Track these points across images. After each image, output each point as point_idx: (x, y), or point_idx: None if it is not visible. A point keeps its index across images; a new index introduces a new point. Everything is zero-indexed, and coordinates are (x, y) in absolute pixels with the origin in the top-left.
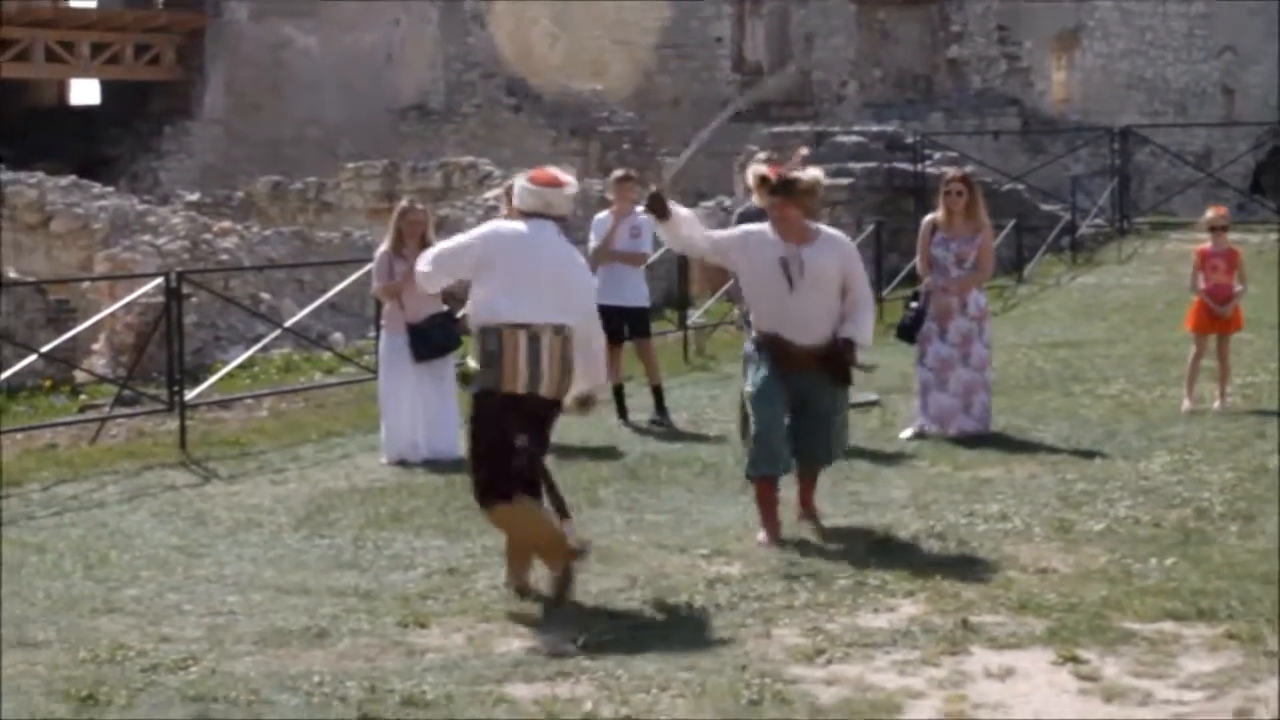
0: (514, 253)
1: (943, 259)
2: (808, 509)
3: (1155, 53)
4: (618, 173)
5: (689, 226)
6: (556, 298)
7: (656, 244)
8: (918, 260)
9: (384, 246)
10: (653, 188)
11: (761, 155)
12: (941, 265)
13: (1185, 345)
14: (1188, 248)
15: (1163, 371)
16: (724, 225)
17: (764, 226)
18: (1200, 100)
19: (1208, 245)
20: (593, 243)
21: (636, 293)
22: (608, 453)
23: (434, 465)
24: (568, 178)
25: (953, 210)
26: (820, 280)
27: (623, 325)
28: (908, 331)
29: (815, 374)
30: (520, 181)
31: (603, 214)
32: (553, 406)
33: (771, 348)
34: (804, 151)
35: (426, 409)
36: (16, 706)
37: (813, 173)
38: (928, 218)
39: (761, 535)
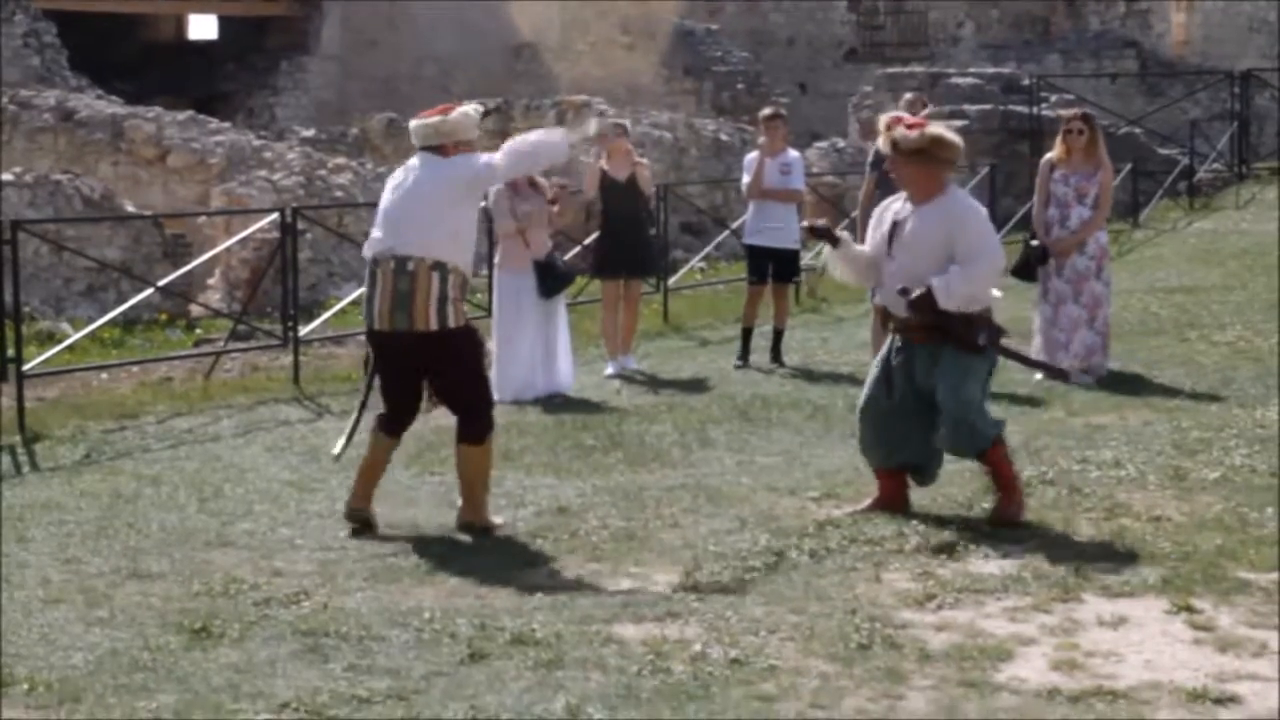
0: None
1: (1063, 195)
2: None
3: None
4: (766, 111)
5: (859, 251)
6: (403, 229)
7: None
8: (1035, 201)
9: (498, 185)
10: (821, 222)
11: (906, 97)
12: (1062, 201)
13: None
14: None
15: None
16: (836, 167)
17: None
18: None
19: None
20: (745, 180)
21: (788, 234)
22: (719, 394)
23: (545, 404)
24: (446, 109)
25: (1072, 148)
26: (916, 244)
27: (768, 266)
28: (1025, 270)
29: (929, 348)
30: None
31: (753, 154)
32: (457, 336)
33: (882, 320)
34: (911, 98)
35: (545, 346)
36: (131, 637)
37: (932, 131)
38: (1046, 157)
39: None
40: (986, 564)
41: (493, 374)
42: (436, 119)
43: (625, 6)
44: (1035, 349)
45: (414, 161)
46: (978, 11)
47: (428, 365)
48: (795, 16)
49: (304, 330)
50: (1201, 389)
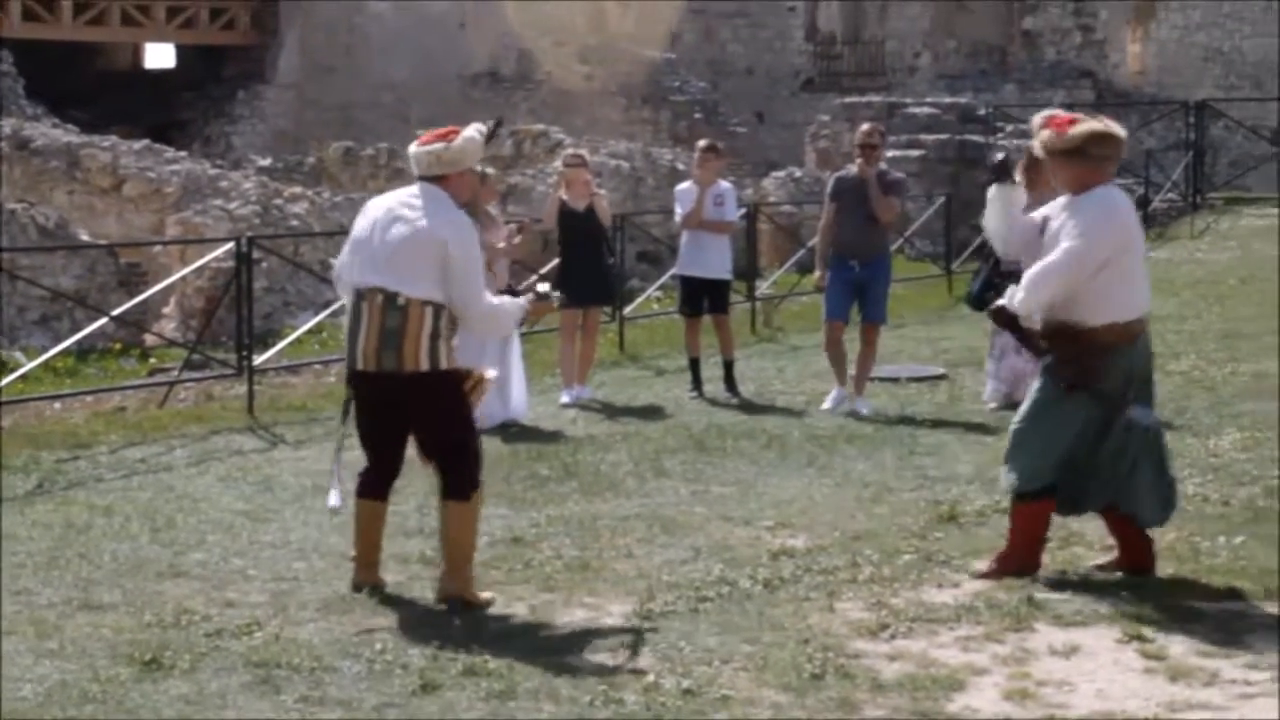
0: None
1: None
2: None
3: (1232, 25)
4: (702, 143)
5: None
6: (380, 261)
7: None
8: None
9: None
10: (999, 304)
11: (863, 128)
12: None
13: (1256, 322)
14: (1261, 223)
15: (1234, 348)
16: (793, 196)
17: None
18: (1276, 74)
19: None
20: (678, 213)
21: (720, 264)
22: (674, 423)
23: (500, 433)
24: (449, 133)
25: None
26: (1050, 244)
27: (703, 297)
28: (977, 299)
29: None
30: None
31: (686, 184)
32: (418, 381)
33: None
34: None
35: (502, 375)
36: (81, 668)
37: (1086, 127)
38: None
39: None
40: (939, 593)
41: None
42: (439, 146)
43: (583, 36)
44: (988, 376)
45: (412, 191)
46: (934, 42)
47: (415, 411)
48: (753, 46)
49: (259, 360)
50: None
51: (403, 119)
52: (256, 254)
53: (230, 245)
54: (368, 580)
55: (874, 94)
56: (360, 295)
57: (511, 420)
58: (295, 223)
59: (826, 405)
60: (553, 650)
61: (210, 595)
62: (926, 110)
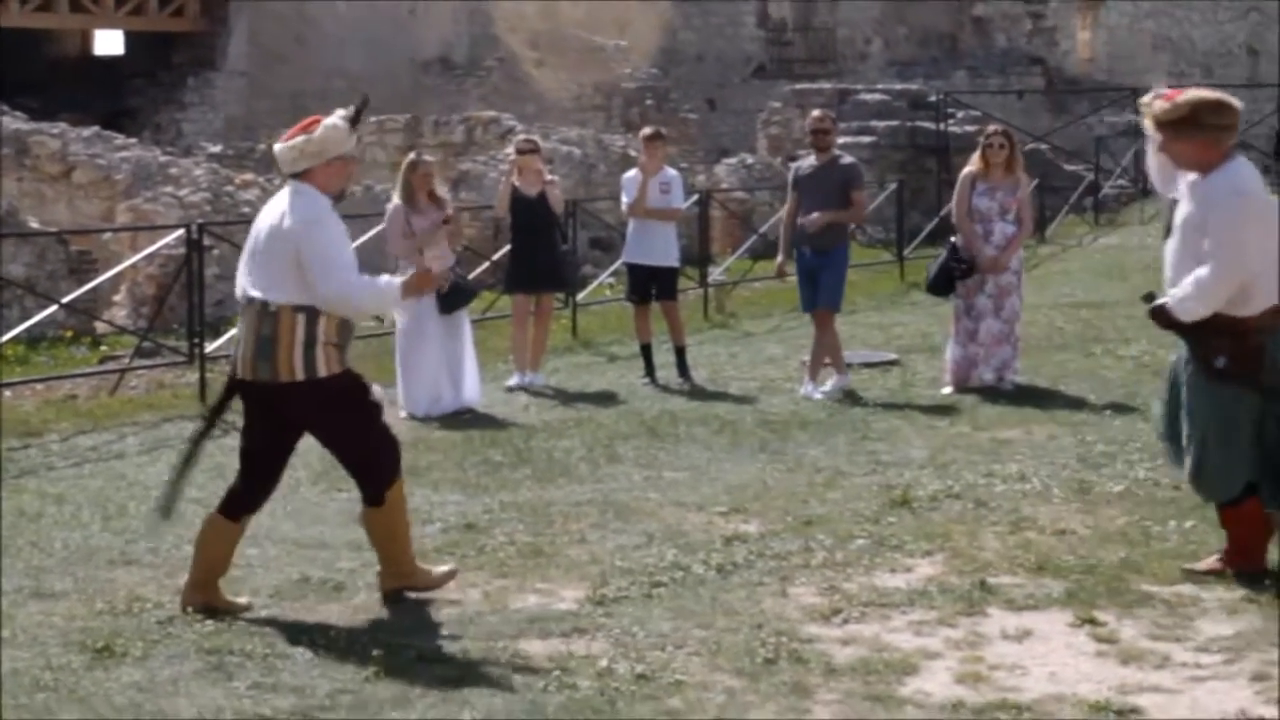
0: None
1: (987, 209)
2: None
3: (1181, 13)
4: (646, 130)
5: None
6: (255, 268)
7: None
8: (955, 214)
9: (396, 201)
10: (1160, 303)
11: (814, 114)
12: (986, 215)
13: None
14: None
15: None
16: (744, 183)
17: None
18: (1225, 61)
19: None
20: (624, 201)
21: (667, 252)
22: (627, 409)
23: (453, 420)
24: (310, 124)
25: (993, 162)
26: (1183, 230)
27: (651, 285)
28: (942, 285)
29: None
30: None
31: (632, 172)
32: (322, 386)
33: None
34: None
35: (450, 361)
36: (33, 657)
37: (1193, 95)
38: (965, 170)
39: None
40: (892, 578)
41: (399, 391)
42: (300, 139)
43: (533, 23)
44: (948, 360)
45: (282, 193)
46: (885, 29)
47: (296, 423)
48: (704, 33)
49: (210, 347)
50: (1106, 403)
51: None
52: (207, 241)
53: (181, 232)
54: (198, 601)
55: (825, 81)
56: (242, 305)
57: (464, 407)
58: (246, 210)
59: (827, 388)
60: (506, 636)
61: (162, 583)
62: (877, 97)
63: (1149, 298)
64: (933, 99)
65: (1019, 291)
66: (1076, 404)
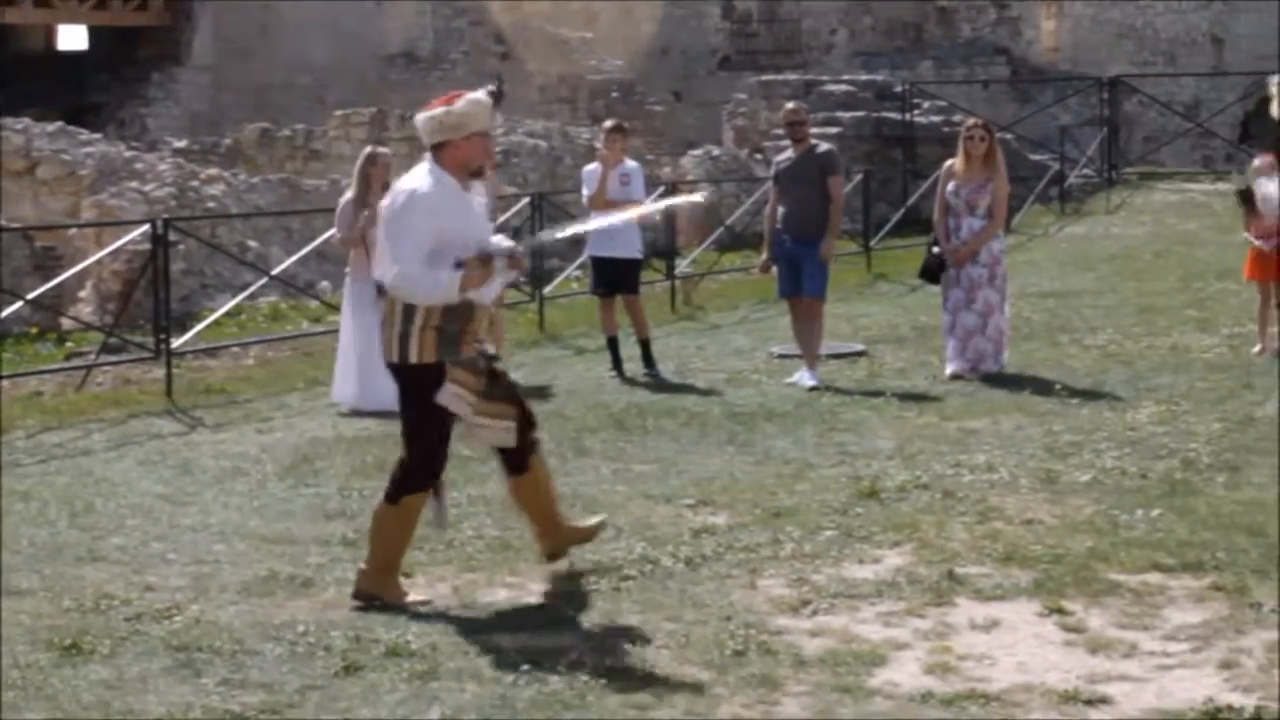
0: None
1: (956, 206)
2: None
3: (1145, 2)
4: (608, 123)
5: None
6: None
7: (649, 191)
8: (936, 207)
9: (348, 195)
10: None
11: (788, 106)
12: (955, 211)
13: (1172, 296)
14: (1175, 198)
15: (1150, 322)
16: (711, 175)
17: None
18: (1189, 50)
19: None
20: (585, 193)
21: (629, 244)
22: (595, 403)
23: None
24: (452, 97)
25: (972, 155)
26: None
27: (614, 277)
28: (930, 273)
29: None
30: None
31: (592, 165)
32: (409, 373)
33: None
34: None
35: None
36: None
37: None
38: (948, 164)
39: None
40: (861, 569)
41: (350, 386)
42: (440, 110)
43: (499, 16)
44: (949, 352)
45: (417, 166)
46: (850, 19)
47: (401, 399)
48: (669, 25)
49: (177, 343)
50: (1073, 393)
51: (319, 100)
52: (173, 236)
53: (146, 227)
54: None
55: (791, 72)
56: None
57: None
58: (212, 204)
59: (809, 382)
60: (475, 630)
61: (130, 579)
62: (843, 88)
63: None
64: (898, 90)
65: (994, 285)
66: (1043, 394)
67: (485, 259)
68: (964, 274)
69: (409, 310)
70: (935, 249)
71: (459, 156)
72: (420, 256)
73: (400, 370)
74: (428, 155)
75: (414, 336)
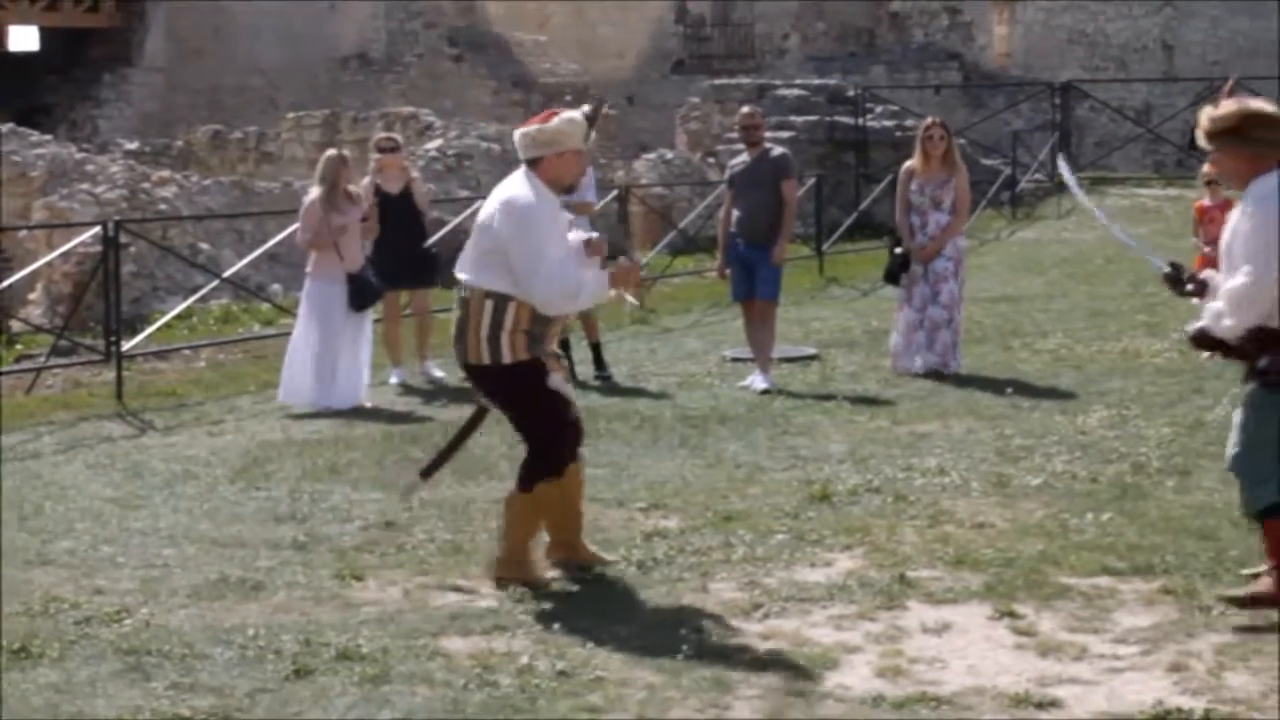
0: None
1: (920, 203)
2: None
3: (1096, 7)
4: None
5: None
6: (469, 248)
7: (601, 194)
8: (897, 208)
9: (312, 196)
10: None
11: (743, 110)
12: (920, 209)
13: (1122, 300)
14: (1126, 203)
15: (1101, 326)
16: (664, 178)
17: None
18: (1140, 56)
19: (1205, 200)
20: None
21: None
22: None
23: (372, 417)
24: (549, 115)
25: (931, 155)
26: (1227, 250)
27: None
28: (893, 275)
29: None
30: None
31: None
32: (503, 373)
33: None
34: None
35: (343, 358)
36: None
37: (1240, 106)
38: (906, 165)
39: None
40: (812, 572)
41: (305, 386)
42: (534, 128)
43: (451, 18)
44: (892, 349)
45: (513, 175)
46: (803, 24)
47: (493, 400)
48: (624, 29)
49: (127, 345)
50: (1024, 396)
51: (271, 102)
52: (124, 238)
53: (97, 229)
54: (558, 557)
55: (744, 76)
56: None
57: (357, 405)
58: (164, 207)
59: (761, 385)
60: (427, 634)
61: (79, 583)
62: (796, 92)
63: (1177, 276)
64: (851, 94)
65: (956, 279)
66: (994, 397)
67: (633, 262)
68: (930, 268)
69: (498, 315)
70: (898, 250)
71: (552, 172)
72: (567, 262)
73: (490, 372)
74: (523, 169)
75: (504, 339)
